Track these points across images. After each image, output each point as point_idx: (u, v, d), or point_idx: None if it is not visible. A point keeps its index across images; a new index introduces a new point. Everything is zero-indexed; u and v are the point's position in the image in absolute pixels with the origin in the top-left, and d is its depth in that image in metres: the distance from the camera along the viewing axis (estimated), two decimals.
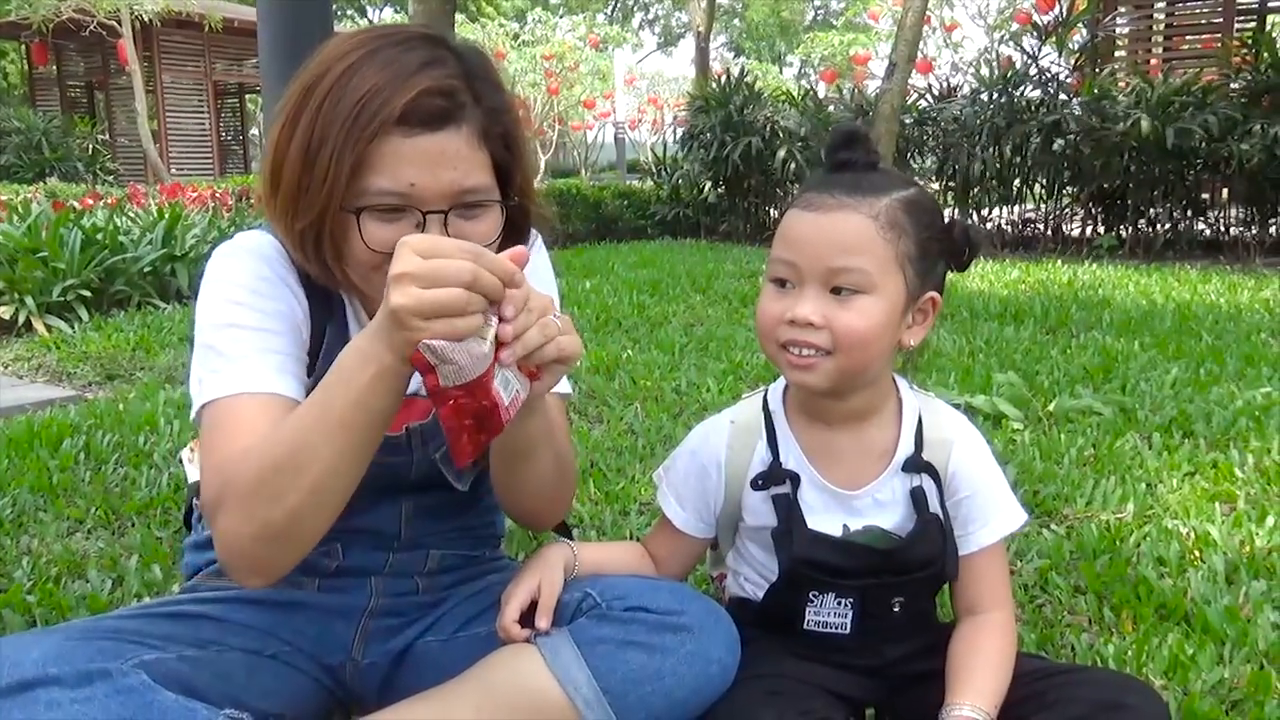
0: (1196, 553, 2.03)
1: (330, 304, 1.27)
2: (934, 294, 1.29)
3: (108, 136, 17.07)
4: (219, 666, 1.19)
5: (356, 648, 1.35)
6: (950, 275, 1.35)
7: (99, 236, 5.26)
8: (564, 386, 1.37)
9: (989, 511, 1.34)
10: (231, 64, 18.86)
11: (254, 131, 21.99)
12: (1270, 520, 2.15)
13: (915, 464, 1.33)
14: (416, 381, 1.29)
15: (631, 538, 2.10)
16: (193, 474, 1.54)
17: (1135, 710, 1.18)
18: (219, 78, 18.74)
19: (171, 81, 17.73)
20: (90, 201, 7.55)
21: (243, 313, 1.19)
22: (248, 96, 20.58)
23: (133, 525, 2.18)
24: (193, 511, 1.48)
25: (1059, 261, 7.37)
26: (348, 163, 1.10)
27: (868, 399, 1.33)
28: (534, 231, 1.41)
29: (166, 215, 5.83)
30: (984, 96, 8.49)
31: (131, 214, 6.42)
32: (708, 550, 1.52)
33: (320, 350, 1.24)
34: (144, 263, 5.23)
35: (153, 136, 15.83)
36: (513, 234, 1.25)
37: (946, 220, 1.30)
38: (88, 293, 4.90)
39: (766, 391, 1.41)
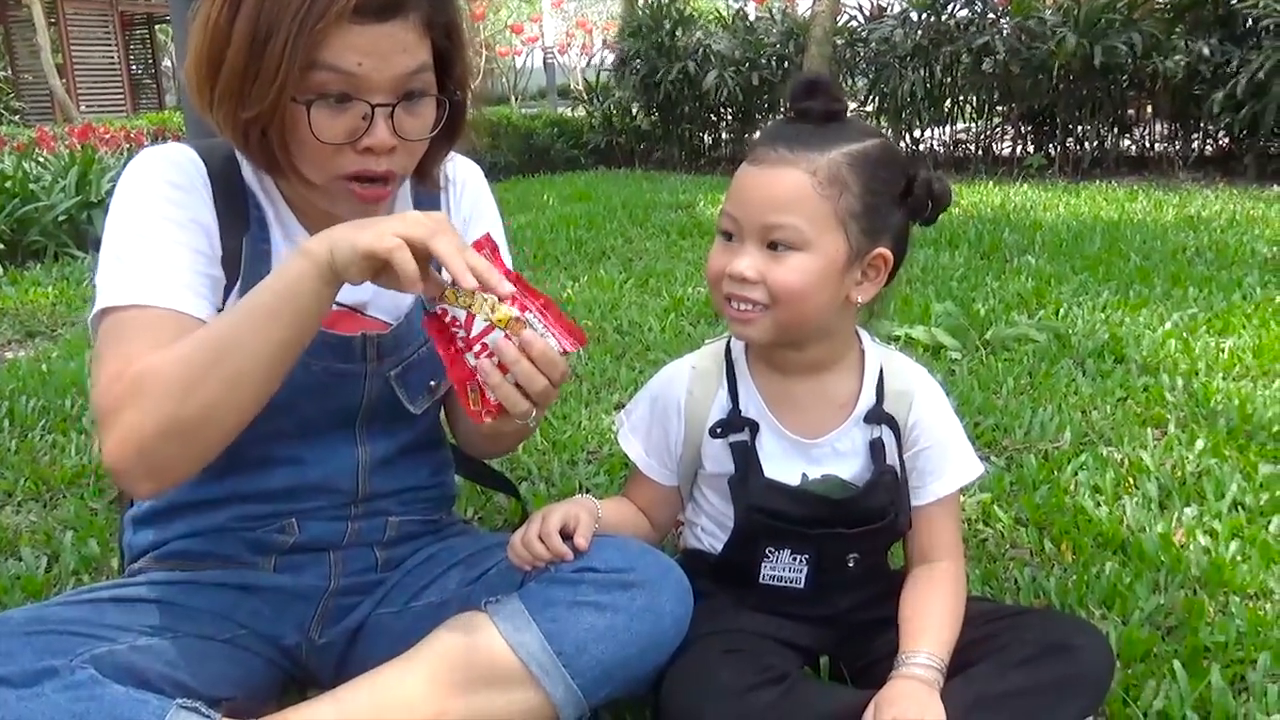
0: (1130, 479, 2.09)
1: (246, 215, 1.25)
2: (883, 250, 1.27)
3: (9, 73, 16.26)
4: (171, 655, 1.17)
5: (314, 628, 1.33)
6: None
7: (8, 185, 5.05)
8: None
9: (946, 463, 1.36)
10: None
11: (166, 64, 21.12)
12: (1199, 444, 2.22)
13: (876, 415, 1.34)
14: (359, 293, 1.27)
15: (581, 488, 2.09)
16: None
17: (1081, 649, 1.22)
18: (125, 8, 17.91)
19: (74, 13, 16.90)
20: None
21: (154, 223, 1.18)
22: (157, 27, 19.70)
23: (65, 497, 2.12)
24: None
25: (990, 182, 7.44)
26: (300, 53, 1.08)
27: (826, 350, 1.34)
28: (473, 165, 1.45)
29: (79, 160, 5.60)
30: (913, 16, 8.45)
31: (41, 159, 6.15)
32: None
33: (240, 262, 1.23)
34: (58, 211, 5.03)
35: (58, 72, 15.10)
36: (450, 130, 1.26)
37: (910, 174, 1.28)
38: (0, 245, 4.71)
39: (730, 338, 1.40)
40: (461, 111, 1.27)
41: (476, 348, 1.09)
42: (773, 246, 1.23)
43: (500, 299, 1.07)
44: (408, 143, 1.19)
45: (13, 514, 2.05)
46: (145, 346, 1.10)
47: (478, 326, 1.08)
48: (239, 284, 1.23)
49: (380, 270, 1.06)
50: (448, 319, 1.10)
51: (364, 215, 1.25)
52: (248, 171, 1.27)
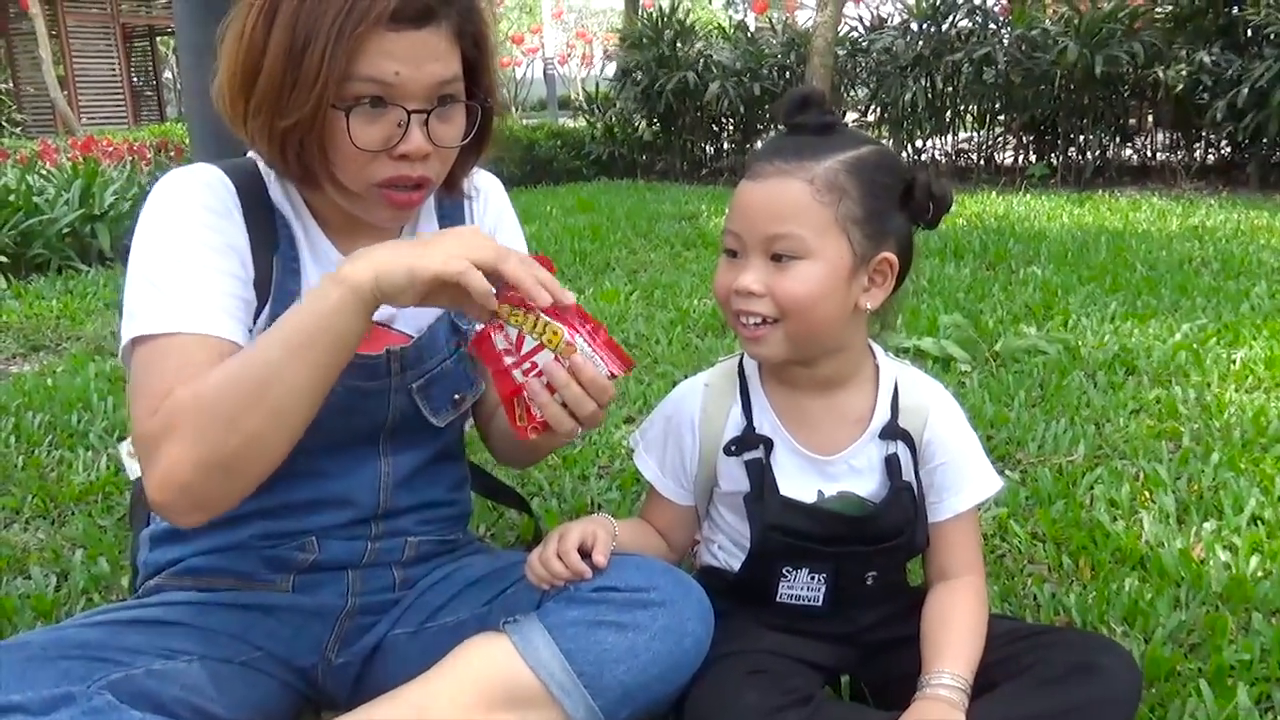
0: (1147, 493, 2.07)
1: (275, 234, 1.25)
2: (888, 255, 1.26)
3: (11, 85, 16.28)
4: (187, 678, 1.15)
5: (331, 649, 1.32)
6: None
7: (11, 198, 5.03)
8: None
9: (963, 479, 1.34)
10: (139, 4, 18.06)
11: (167, 75, 21.16)
12: (1215, 457, 2.20)
13: (891, 431, 1.32)
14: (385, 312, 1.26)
15: (592, 503, 2.08)
16: (134, 470, 1.48)
17: (1108, 671, 1.20)
18: (126, 20, 17.94)
19: (76, 25, 16.93)
20: None
21: (187, 245, 1.17)
22: (159, 39, 19.74)
23: (73, 514, 2.10)
24: (138, 506, 1.43)
25: (993, 192, 7.43)
26: (340, 60, 1.09)
27: (838, 365, 1.32)
28: (494, 179, 1.47)
29: (82, 172, 5.60)
30: (914, 27, 8.47)
31: (44, 172, 6.14)
32: None
33: (271, 282, 1.23)
34: (62, 224, 5.01)
35: (60, 84, 15.12)
36: (480, 138, 1.28)
37: (909, 178, 1.28)
38: (3, 258, 4.69)
39: (743, 355, 1.39)
40: (490, 119, 1.28)
41: (525, 365, 1.09)
42: (777, 258, 1.22)
43: (567, 324, 1.08)
44: (441, 149, 1.20)
45: (20, 532, 2.03)
46: (182, 375, 1.09)
47: (528, 345, 1.09)
48: (269, 304, 1.23)
49: (435, 293, 1.06)
50: (500, 334, 1.10)
51: (398, 221, 1.29)
52: (274, 189, 1.26)
